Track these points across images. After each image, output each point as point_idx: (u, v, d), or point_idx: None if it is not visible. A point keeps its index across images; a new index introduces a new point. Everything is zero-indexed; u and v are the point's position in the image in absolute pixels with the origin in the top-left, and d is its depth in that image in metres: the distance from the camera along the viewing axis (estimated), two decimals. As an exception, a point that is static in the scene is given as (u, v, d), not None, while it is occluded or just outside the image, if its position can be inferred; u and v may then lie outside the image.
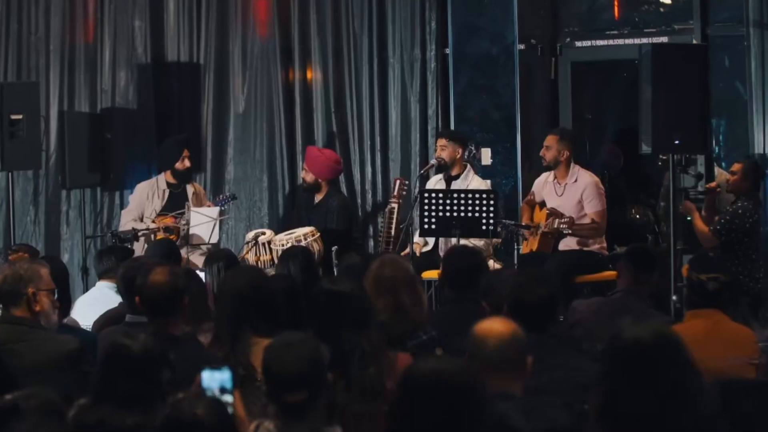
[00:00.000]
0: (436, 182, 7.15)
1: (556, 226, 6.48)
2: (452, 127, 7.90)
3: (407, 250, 6.85)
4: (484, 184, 7.10)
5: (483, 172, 7.72)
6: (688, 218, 6.75)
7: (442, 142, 7.10)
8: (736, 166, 6.79)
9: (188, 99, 8.66)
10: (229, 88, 8.59)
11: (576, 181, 6.79)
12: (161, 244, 6.37)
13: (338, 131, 8.37)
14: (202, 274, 5.02)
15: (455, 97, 7.95)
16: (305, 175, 7.64)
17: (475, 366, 2.83)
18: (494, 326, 2.99)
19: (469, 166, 7.17)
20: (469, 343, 2.95)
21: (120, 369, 2.98)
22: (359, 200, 8.36)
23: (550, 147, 6.80)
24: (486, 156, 7.91)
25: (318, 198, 7.68)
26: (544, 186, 6.96)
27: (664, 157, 7.35)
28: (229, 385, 2.77)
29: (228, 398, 2.76)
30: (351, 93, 8.35)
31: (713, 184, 6.94)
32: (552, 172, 6.91)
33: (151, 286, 3.83)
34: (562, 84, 8.22)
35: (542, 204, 6.97)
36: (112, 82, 8.61)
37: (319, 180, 7.56)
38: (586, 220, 6.68)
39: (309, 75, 8.46)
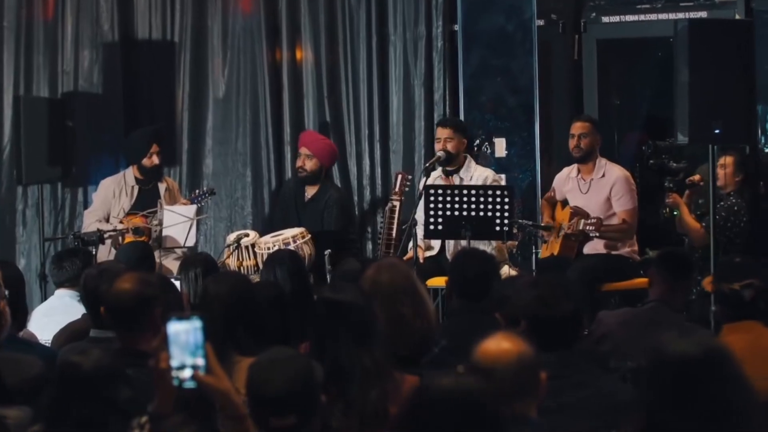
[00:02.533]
0: (434, 178, 7.14)
1: (581, 227, 6.47)
2: (462, 114, 7.90)
3: (410, 254, 6.84)
4: (491, 173, 7.09)
5: (497, 165, 7.73)
6: (675, 212, 6.88)
7: (446, 132, 7.07)
8: (725, 159, 6.92)
9: (161, 82, 8.66)
10: (207, 69, 8.60)
11: (603, 176, 6.78)
12: (134, 248, 6.38)
13: (332, 119, 8.38)
14: (177, 283, 5.03)
15: (465, 80, 7.96)
16: (305, 162, 7.54)
17: None
18: (498, 348, 2.98)
19: (468, 156, 7.18)
20: (472, 369, 2.94)
21: (72, 390, 2.99)
22: (356, 197, 8.36)
23: (587, 134, 6.79)
24: (500, 147, 7.92)
25: (311, 192, 7.67)
26: (566, 182, 6.96)
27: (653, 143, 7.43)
28: (200, 339, 2.77)
29: (200, 361, 2.77)
30: (346, 76, 8.35)
31: (696, 177, 7.07)
32: (575, 166, 6.91)
33: (116, 295, 3.83)
34: (587, 65, 8.22)
35: (564, 202, 6.97)
36: (74, 63, 8.62)
37: (323, 167, 7.55)
38: (615, 220, 6.68)
39: (298, 55, 8.47)
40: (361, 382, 3.37)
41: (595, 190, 6.78)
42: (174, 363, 2.78)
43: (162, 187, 7.60)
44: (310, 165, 7.51)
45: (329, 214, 7.43)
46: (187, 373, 2.76)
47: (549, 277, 4.79)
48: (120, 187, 7.56)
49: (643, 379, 2.71)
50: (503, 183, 7.20)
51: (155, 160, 7.50)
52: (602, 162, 6.85)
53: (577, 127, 6.83)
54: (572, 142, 6.81)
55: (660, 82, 8.17)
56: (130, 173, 7.62)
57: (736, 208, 6.86)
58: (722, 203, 6.92)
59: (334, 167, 8.33)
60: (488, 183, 6.91)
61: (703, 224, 6.85)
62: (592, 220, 6.44)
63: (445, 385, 2.61)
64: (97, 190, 7.73)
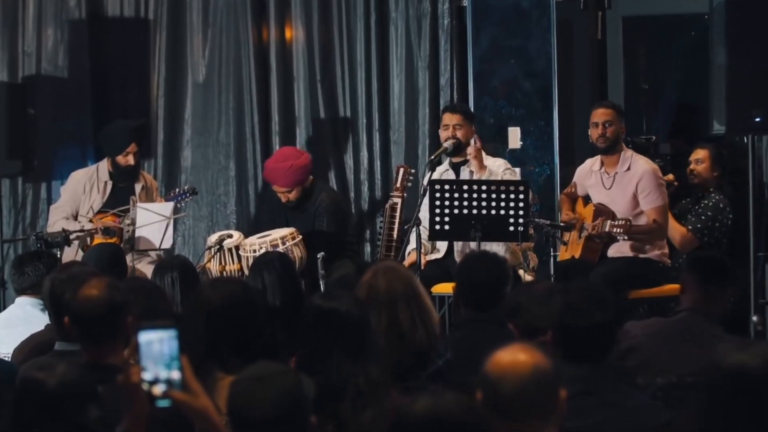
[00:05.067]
0: (442, 172, 7.12)
1: (607, 229, 6.44)
2: (471, 100, 7.90)
3: (412, 257, 6.83)
4: (503, 162, 7.07)
5: (511, 157, 7.72)
6: None
7: (455, 119, 7.05)
8: (700, 153, 7.05)
9: (134, 65, 8.65)
10: (185, 50, 8.59)
11: (629, 169, 6.75)
12: (103, 251, 6.37)
13: (325, 106, 8.37)
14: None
15: (475, 63, 7.96)
16: (287, 196, 7.46)
17: (489, 412, 2.84)
18: (512, 359, 2.97)
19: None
20: (481, 382, 2.94)
21: (33, 410, 2.99)
22: (352, 194, 8.36)
23: (612, 122, 6.76)
24: (515, 137, 7.91)
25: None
26: (588, 175, 6.94)
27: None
28: (175, 349, 2.77)
29: (176, 374, 2.77)
30: (342, 57, 8.35)
31: (670, 177, 7.12)
32: (598, 158, 6.88)
33: (82, 303, 3.83)
34: (612, 45, 8.22)
35: (586, 198, 6.95)
36: (36, 43, 8.60)
37: (306, 187, 7.49)
38: (643, 219, 6.67)
39: (288, 34, 8.46)
40: (354, 401, 3.37)
41: (619, 185, 6.75)
42: (146, 377, 2.78)
43: (138, 182, 7.57)
44: (293, 195, 7.43)
45: (320, 223, 7.38)
46: (160, 388, 2.76)
47: (573, 282, 4.78)
48: (92, 182, 7.53)
49: (697, 394, 2.72)
50: (518, 177, 7.20)
51: (130, 160, 7.44)
52: (627, 153, 6.81)
53: (600, 114, 6.79)
54: (595, 132, 6.77)
55: (693, 64, 8.17)
56: (104, 167, 7.58)
57: (721, 205, 7.00)
58: (705, 202, 6.98)
59: (329, 160, 8.33)
60: (501, 172, 6.88)
61: (689, 227, 6.94)
62: (620, 222, 6.41)
63: (420, 409, 2.61)
64: (66, 183, 7.70)
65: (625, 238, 6.43)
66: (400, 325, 3.95)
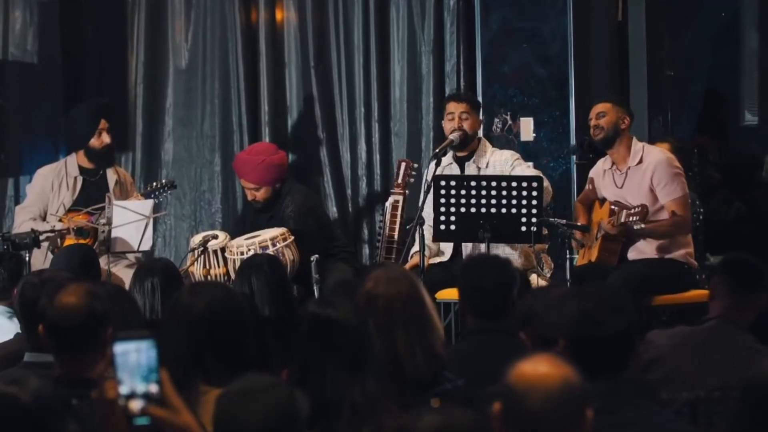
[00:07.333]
0: (445, 167, 7.11)
1: (623, 219, 6.44)
2: (480, 88, 7.91)
3: (415, 260, 6.84)
4: (510, 154, 7.06)
5: (523, 150, 7.73)
6: None
7: (462, 107, 7.05)
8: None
9: (110, 50, 8.66)
10: (167, 34, 8.60)
11: (641, 161, 6.75)
12: (74, 252, 6.37)
13: (320, 94, 8.38)
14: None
15: (484, 48, 7.97)
16: (254, 195, 7.48)
17: (510, 429, 2.84)
18: (538, 373, 2.96)
19: (483, 138, 7.17)
20: (501, 394, 2.94)
21: (6, 428, 3.00)
22: (349, 191, 8.37)
23: (605, 112, 6.78)
24: (527, 128, 7.92)
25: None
26: (601, 176, 6.93)
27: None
28: (153, 360, 2.80)
29: (154, 388, 2.79)
30: (338, 41, 8.36)
31: None
32: (609, 157, 6.88)
33: (59, 311, 3.83)
34: (634, 29, 8.23)
35: (603, 200, 6.94)
36: (3, 26, 8.60)
37: (276, 187, 7.49)
38: (664, 215, 6.66)
39: (279, 16, 8.47)
40: (351, 418, 3.37)
41: (632, 180, 6.73)
42: (122, 390, 2.80)
43: (112, 178, 7.58)
44: (261, 195, 7.46)
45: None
46: (138, 404, 2.78)
47: (591, 287, 4.77)
48: (60, 177, 7.54)
49: (730, 407, 2.73)
50: (530, 169, 7.20)
51: (105, 138, 7.46)
52: (638, 146, 6.79)
53: (594, 110, 6.83)
54: (592, 129, 6.81)
55: (723, 49, 8.18)
56: (73, 161, 7.59)
57: (690, 200, 7.00)
58: None
59: (323, 154, 8.34)
60: (509, 167, 6.89)
61: None
62: (635, 209, 6.40)
63: (427, 425, 2.62)
64: (32, 182, 7.71)
65: (643, 227, 6.41)
66: (395, 343, 3.93)
